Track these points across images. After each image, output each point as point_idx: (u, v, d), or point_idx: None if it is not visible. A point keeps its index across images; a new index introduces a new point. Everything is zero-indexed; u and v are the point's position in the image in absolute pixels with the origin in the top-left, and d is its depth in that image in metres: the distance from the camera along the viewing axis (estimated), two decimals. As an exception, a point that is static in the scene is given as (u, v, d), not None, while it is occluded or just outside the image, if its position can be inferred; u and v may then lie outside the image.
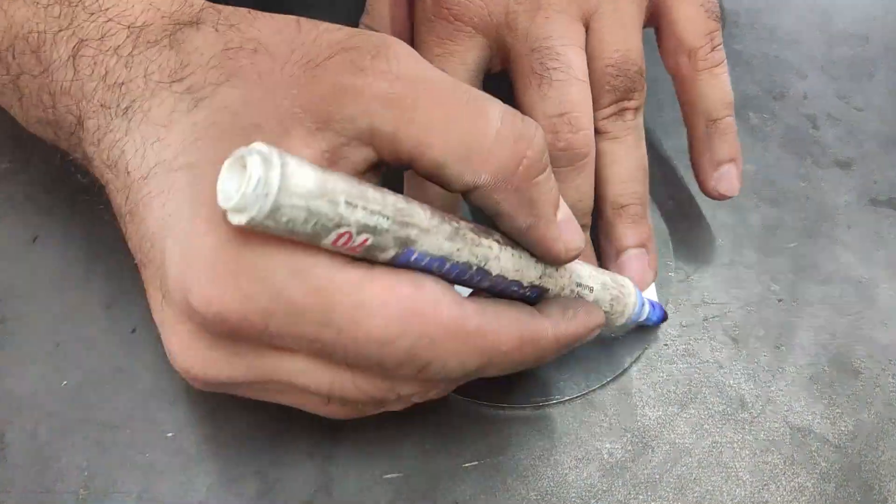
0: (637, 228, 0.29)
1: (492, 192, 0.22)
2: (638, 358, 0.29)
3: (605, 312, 0.26)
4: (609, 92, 0.29)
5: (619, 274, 0.28)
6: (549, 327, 0.24)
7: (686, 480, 0.27)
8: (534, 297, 0.24)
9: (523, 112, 0.25)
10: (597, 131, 0.29)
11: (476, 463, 0.27)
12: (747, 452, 0.27)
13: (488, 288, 0.23)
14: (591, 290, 0.26)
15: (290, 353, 0.21)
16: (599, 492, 0.27)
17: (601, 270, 0.27)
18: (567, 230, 0.24)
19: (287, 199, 0.18)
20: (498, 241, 0.22)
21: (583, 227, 0.29)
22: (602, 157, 0.29)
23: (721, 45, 0.30)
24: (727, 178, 0.30)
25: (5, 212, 0.34)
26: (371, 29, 0.32)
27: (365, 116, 0.21)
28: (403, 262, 0.21)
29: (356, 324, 0.20)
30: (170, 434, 0.28)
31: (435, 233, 0.21)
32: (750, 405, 0.28)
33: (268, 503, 0.27)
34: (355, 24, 0.32)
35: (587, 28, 0.29)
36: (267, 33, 0.23)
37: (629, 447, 0.28)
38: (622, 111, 0.29)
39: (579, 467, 0.27)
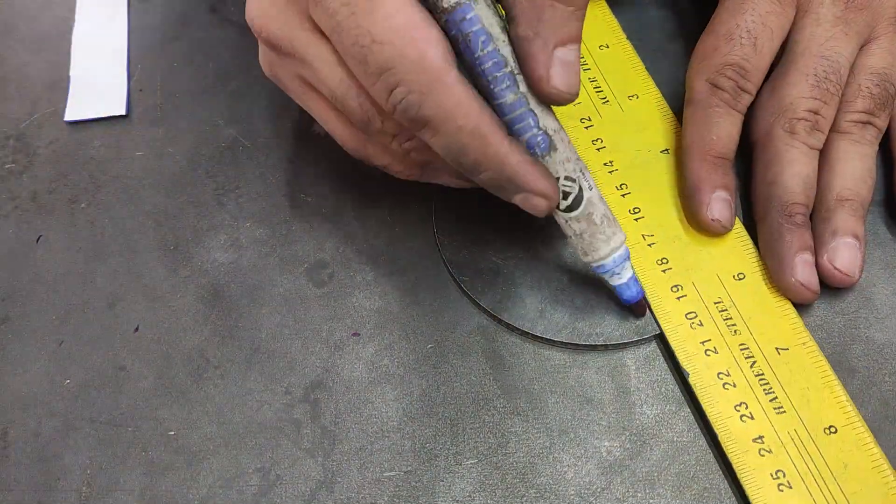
0: (855, 221, 0.30)
1: None
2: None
3: (574, 233, 0.28)
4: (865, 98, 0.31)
5: (832, 258, 0.29)
6: (506, 144, 0.25)
7: (684, 478, 0.27)
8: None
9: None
10: (840, 130, 0.31)
11: (475, 461, 0.28)
12: (745, 450, 0.28)
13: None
14: (575, 188, 0.27)
15: (320, 38, 0.25)
16: (598, 489, 0.27)
17: (606, 206, 0.28)
18: (562, 67, 0.25)
19: None
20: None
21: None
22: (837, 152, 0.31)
23: None
24: None
25: (9, 212, 0.34)
26: None
27: None
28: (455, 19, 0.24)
29: (370, 9, 0.23)
30: (172, 432, 0.29)
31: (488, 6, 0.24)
32: (747, 404, 0.29)
33: (269, 501, 0.27)
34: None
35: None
36: None
37: (628, 445, 0.28)
38: (869, 122, 0.31)
39: (578, 465, 0.27)
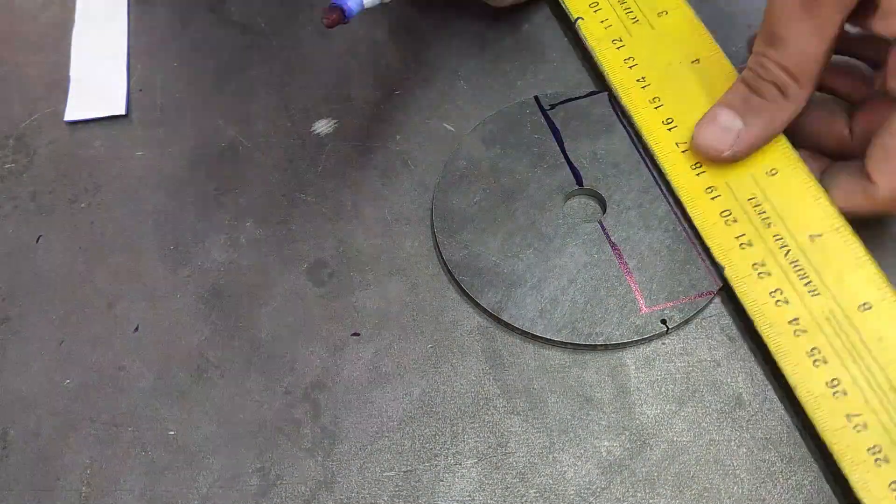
0: None
1: None
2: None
3: None
4: None
5: None
6: None
7: (684, 478, 0.27)
8: None
9: None
10: None
11: (476, 461, 0.28)
12: (745, 450, 0.28)
13: None
14: None
15: None
16: (598, 489, 0.27)
17: None
18: None
19: None
20: None
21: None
22: None
23: None
24: None
25: (9, 212, 0.34)
26: None
27: None
28: None
29: None
30: (172, 432, 0.29)
31: None
32: (747, 403, 0.28)
33: (269, 501, 0.27)
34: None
35: None
36: None
37: (627, 445, 0.28)
38: None
39: (578, 465, 0.27)
